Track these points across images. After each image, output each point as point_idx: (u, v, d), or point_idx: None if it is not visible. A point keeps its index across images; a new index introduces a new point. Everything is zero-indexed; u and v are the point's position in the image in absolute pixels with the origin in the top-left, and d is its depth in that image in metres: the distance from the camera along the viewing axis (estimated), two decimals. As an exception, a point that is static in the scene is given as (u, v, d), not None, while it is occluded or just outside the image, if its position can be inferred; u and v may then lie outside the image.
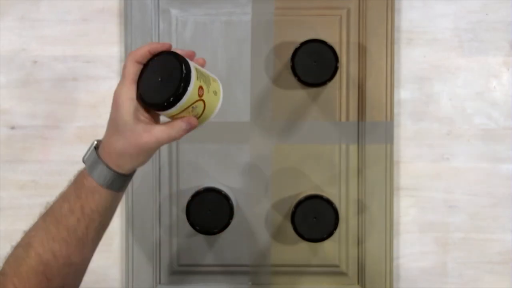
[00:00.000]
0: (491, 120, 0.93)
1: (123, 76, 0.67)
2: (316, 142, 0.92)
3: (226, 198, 0.86)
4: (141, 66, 0.67)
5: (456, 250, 0.94)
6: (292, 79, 0.89)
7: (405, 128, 0.94)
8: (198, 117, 0.67)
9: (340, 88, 0.92)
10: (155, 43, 0.67)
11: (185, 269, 0.94)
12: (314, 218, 0.87)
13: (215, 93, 0.68)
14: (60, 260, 0.66)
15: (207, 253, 0.94)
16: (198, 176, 0.93)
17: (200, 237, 0.93)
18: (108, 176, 0.66)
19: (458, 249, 0.94)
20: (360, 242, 0.93)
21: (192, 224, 0.87)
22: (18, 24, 0.95)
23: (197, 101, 0.65)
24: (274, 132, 0.93)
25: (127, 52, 0.92)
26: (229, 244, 0.94)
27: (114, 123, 0.66)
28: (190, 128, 0.67)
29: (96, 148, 0.68)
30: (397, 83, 0.93)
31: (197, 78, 0.65)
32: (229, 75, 0.93)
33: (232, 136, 0.93)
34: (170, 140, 0.66)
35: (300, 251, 0.93)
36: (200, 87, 0.65)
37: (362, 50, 0.92)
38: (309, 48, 0.86)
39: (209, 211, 0.86)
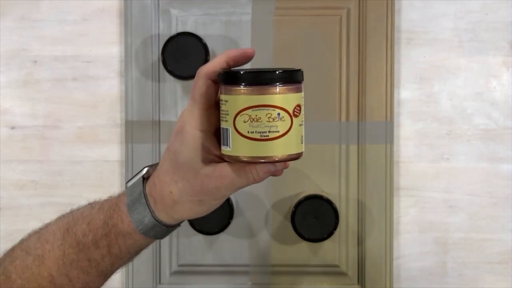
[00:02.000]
0: (491, 120, 0.93)
1: (192, 98, 0.53)
2: (316, 142, 0.92)
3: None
4: (216, 86, 0.53)
5: (456, 250, 0.94)
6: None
7: (405, 128, 0.94)
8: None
9: (340, 88, 0.92)
10: (232, 51, 0.53)
11: (185, 269, 0.94)
12: (314, 218, 0.87)
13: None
14: (76, 286, 0.58)
15: (207, 253, 0.94)
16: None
17: (200, 237, 0.93)
18: (150, 224, 0.54)
19: (458, 249, 0.94)
20: (360, 242, 0.93)
21: (192, 224, 0.87)
22: (18, 24, 0.95)
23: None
24: (274, 132, 0.93)
25: (127, 52, 0.92)
26: (229, 244, 0.94)
27: (173, 157, 0.52)
28: (273, 174, 0.53)
29: (145, 178, 0.55)
30: (397, 83, 0.93)
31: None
32: (229, 75, 0.93)
33: (232, 136, 0.93)
34: (248, 185, 0.53)
35: (300, 251, 0.93)
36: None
37: (362, 50, 0.92)
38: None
39: None
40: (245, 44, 0.92)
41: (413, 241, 0.94)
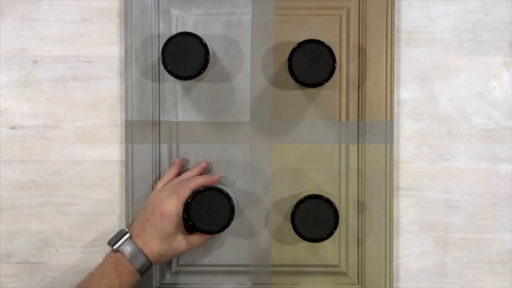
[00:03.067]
0: (491, 120, 0.93)
1: (177, 197, 0.84)
2: (316, 142, 0.92)
3: (227, 197, 0.86)
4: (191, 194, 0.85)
5: (456, 250, 0.94)
6: (292, 79, 0.89)
7: (405, 128, 0.94)
8: None
9: (340, 88, 0.92)
10: (208, 179, 0.89)
11: (185, 269, 0.94)
12: (314, 218, 0.87)
13: None
14: None
15: (207, 253, 0.94)
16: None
17: (200, 237, 0.93)
18: (146, 267, 0.83)
19: (458, 249, 0.94)
20: (360, 242, 0.93)
21: (193, 224, 0.87)
22: (18, 24, 0.95)
23: None
24: (274, 132, 0.93)
25: (127, 52, 0.92)
26: (229, 244, 0.94)
27: (161, 232, 0.83)
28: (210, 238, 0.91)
29: (130, 236, 0.84)
30: (397, 83, 0.93)
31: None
32: (228, 75, 0.93)
33: (232, 136, 0.93)
34: (198, 247, 0.89)
35: (300, 251, 0.93)
36: None
37: (362, 50, 0.92)
38: (306, 48, 0.86)
39: (209, 210, 0.86)
40: (245, 44, 0.93)
41: (413, 241, 0.94)
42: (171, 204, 0.84)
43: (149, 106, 0.93)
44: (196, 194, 0.86)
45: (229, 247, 0.94)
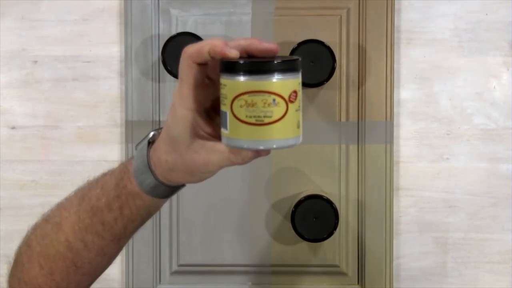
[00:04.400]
0: (491, 120, 0.93)
1: (180, 77, 0.55)
2: (316, 142, 0.92)
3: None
4: (202, 67, 0.54)
5: (456, 250, 0.94)
6: (292, 79, 0.89)
7: (405, 128, 0.94)
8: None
9: (340, 88, 0.92)
10: (255, 42, 0.53)
11: (185, 269, 0.94)
12: (314, 218, 0.87)
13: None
14: (92, 251, 0.61)
15: (207, 253, 0.94)
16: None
17: (200, 237, 0.93)
18: (152, 184, 0.58)
19: (458, 249, 0.94)
20: (360, 242, 0.93)
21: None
22: (18, 24, 0.95)
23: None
24: (274, 132, 0.93)
25: (127, 52, 0.92)
26: (229, 244, 0.94)
27: (167, 130, 0.56)
28: (258, 156, 0.55)
29: (150, 142, 0.59)
30: (397, 83, 0.93)
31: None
32: (229, 75, 0.93)
33: (232, 136, 0.93)
34: (233, 165, 0.55)
35: (300, 251, 0.93)
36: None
37: (362, 50, 0.92)
38: (306, 48, 0.86)
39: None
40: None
41: (413, 241, 0.94)
42: (175, 92, 0.55)
43: (149, 106, 0.93)
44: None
45: (229, 247, 0.94)
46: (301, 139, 0.55)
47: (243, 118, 0.52)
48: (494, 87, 0.93)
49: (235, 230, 0.93)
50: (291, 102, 0.52)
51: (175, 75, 0.89)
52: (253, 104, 0.51)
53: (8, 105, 0.95)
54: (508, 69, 0.93)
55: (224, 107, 0.53)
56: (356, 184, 0.93)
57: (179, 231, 0.93)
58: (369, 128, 0.92)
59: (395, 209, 0.93)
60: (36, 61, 0.95)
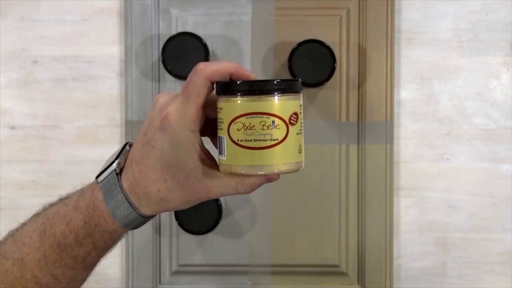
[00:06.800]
0: (491, 120, 0.93)
1: (186, 96, 0.49)
2: (316, 142, 0.92)
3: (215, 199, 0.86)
4: (212, 88, 0.50)
5: (456, 250, 0.94)
6: (292, 79, 0.90)
7: (405, 128, 0.94)
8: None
9: (340, 88, 0.92)
10: (243, 72, 0.51)
11: (185, 269, 0.94)
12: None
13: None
14: (63, 282, 0.57)
15: (207, 253, 0.94)
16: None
17: (200, 237, 0.93)
18: (134, 219, 0.54)
19: (458, 249, 0.94)
20: (360, 242, 0.93)
21: (180, 224, 0.87)
22: (18, 24, 0.95)
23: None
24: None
25: (127, 52, 0.92)
26: (229, 244, 0.94)
27: (160, 156, 0.50)
28: (266, 182, 0.51)
29: (117, 173, 0.53)
30: (397, 83, 0.93)
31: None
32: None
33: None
34: (237, 194, 0.52)
35: (300, 251, 0.93)
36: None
37: (362, 50, 0.92)
38: (306, 48, 0.86)
39: (196, 210, 0.86)
40: (245, 44, 0.92)
41: (413, 241, 0.94)
42: (171, 110, 0.50)
43: (149, 106, 0.92)
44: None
45: (229, 247, 0.94)
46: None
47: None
48: (494, 87, 0.93)
49: (235, 230, 0.93)
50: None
51: (175, 75, 0.89)
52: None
53: (8, 105, 0.95)
54: (508, 69, 0.93)
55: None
56: (356, 184, 0.93)
57: (179, 231, 0.93)
58: (369, 128, 0.92)
59: (395, 209, 0.93)
60: (36, 61, 0.95)
